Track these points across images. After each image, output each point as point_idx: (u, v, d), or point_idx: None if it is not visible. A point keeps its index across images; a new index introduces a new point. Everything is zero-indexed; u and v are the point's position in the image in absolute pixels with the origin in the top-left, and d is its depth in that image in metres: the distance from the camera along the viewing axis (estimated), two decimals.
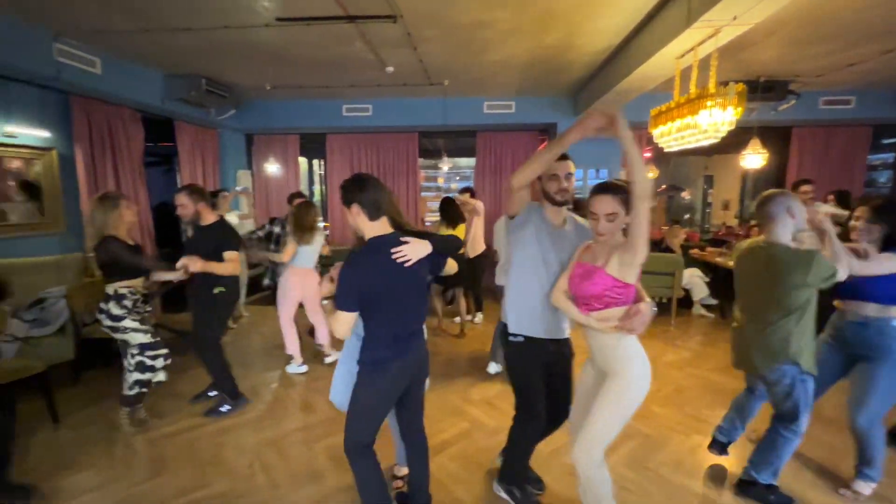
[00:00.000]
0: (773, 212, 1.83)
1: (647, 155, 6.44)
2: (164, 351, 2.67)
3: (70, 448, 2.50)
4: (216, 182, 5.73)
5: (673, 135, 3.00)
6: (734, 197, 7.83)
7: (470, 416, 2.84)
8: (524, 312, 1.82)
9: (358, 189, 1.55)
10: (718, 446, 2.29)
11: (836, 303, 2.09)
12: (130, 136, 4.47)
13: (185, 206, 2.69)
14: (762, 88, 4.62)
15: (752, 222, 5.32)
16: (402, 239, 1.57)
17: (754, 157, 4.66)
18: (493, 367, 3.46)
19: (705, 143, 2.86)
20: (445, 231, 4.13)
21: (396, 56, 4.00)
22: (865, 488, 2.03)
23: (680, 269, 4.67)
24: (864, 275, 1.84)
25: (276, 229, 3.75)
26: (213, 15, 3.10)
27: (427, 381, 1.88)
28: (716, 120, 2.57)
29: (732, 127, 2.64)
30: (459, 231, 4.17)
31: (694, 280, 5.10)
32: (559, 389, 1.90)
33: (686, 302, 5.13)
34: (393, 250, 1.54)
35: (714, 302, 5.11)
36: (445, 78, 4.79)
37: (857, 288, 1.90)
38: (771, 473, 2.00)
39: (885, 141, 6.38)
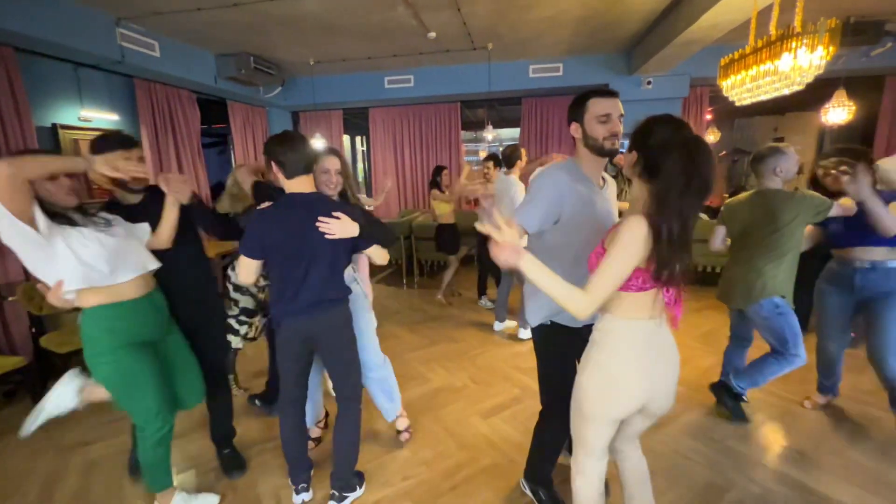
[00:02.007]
0: (765, 168, 2.07)
1: (708, 117, 5.94)
2: (257, 320, 2.62)
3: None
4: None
5: (746, 85, 2.70)
6: (809, 160, 7.09)
7: (520, 383, 2.84)
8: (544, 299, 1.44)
9: (276, 145, 1.57)
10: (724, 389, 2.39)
11: (833, 251, 2.24)
12: (188, 116, 4.69)
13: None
14: (852, 31, 4.05)
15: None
16: (335, 214, 1.58)
17: (839, 111, 4.16)
18: (523, 333, 3.56)
19: (786, 91, 2.56)
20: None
21: (439, 19, 3.87)
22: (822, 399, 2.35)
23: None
24: None
25: None
26: None
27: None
28: (801, 64, 2.27)
29: (821, 71, 2.33)
30: None
31: None
32: None
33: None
34: (321, 218, 1.56)
35: None
36: (489, 41, 4.60)
37: (865, 235, 1.98)
38: (747, 383, 2.25)
39: None
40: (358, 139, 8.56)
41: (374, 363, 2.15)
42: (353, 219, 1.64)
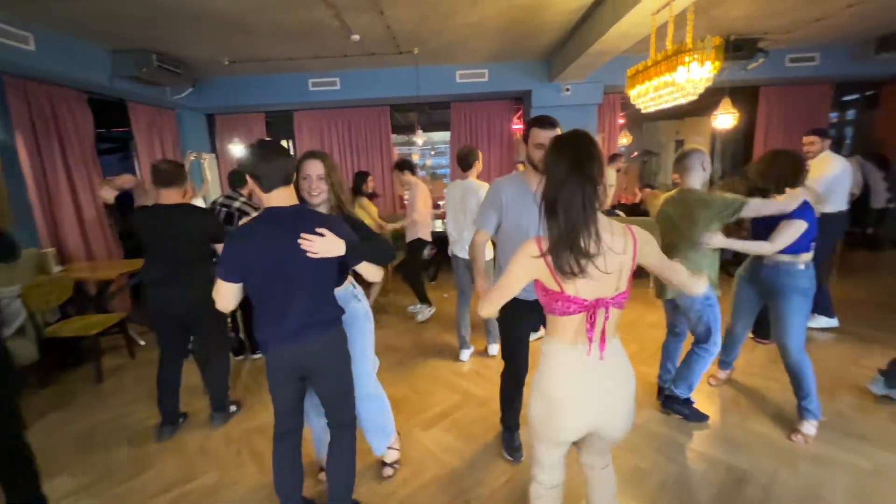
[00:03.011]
0: (690, 164, 2.19)
1: (621, 121, 6.45)
2: None
3: (40, 455, 2.36)
4: None
5: (650, 95, 2.97)
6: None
7: (461, 388, 2.86)
8: None
9: (248, 157, 1.45)
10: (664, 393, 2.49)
11: None
12: (78, 120, 4.13)
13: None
14: (732, 47, 4.62)
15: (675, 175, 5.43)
16: (320, 230, 1.43)
17: (725, 118, 4.71)
18: (493, 349, 3.32)
19: (683, 101, 2.85)
20: None
21: (362, 21, 3.78)
22: (811, 428, 2.20)
23: (656, 231, 4.75)
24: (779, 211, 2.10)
25: (237, 203, 3.40)
26: None
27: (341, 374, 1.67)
28: (693, 76, 2.54)
29: (710, 83, 2.63)
30: None
31: None
32: None
33: None
34: (303, 235, 1.42)
35: None
36: (415, 46, 4.59)
37: (763, 237, 2.20)
38: (686, 388, 2.36)
39: (846, 98, 6.59)
40: (284, 143, 8.15)
41: (366, 393, 1.91)
42: (340, 234, 1.49)
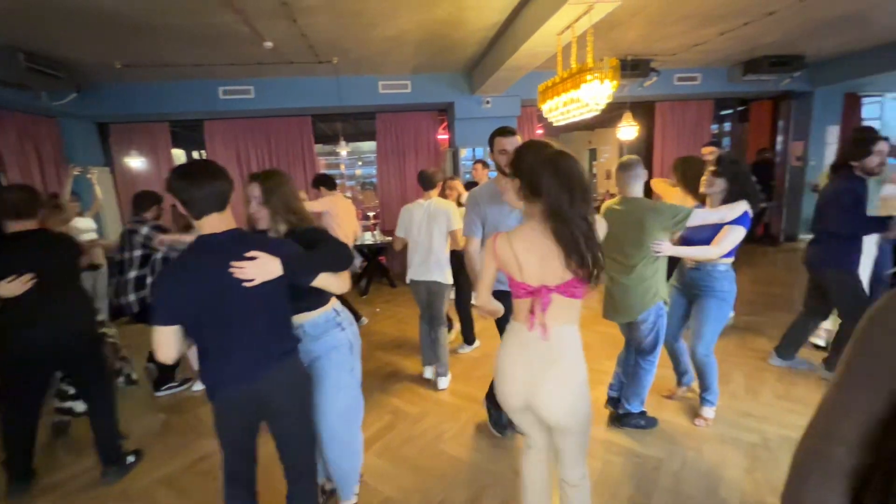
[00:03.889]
0: (636, 173, 2.20)
1: (540, 131, 6.82)
2: None
3: None
4: (61, 183, 4.73)
5: (560, 109, 3.16)
6: (614, 167, 8.70)
7: (391, 407, 2.78)
8: None
9: (174, 180, 1.31)
10: (613, 402, 2.50)
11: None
12: None
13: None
14: (630, 66, 5.10)
15: None
16: (249, 254, 1.31)
17: (628, 129, 5.17)
18: (429, 372, 3.17)
19: (588, 115, 3.06)
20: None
21: (276, 28, 3.61)
22: (710, 413, 2.43)
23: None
24: (710, 222, 2.16)
25: (145, 230, 3.05)
26: None
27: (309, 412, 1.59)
28: (595, 93, 2.74)
29: (610, 100, 2.86)
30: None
31: None
32: None
33: None
34: (233, 264, 1.30)
35: None
36: (334, 55, 4.48)
37: (693, 244, 2.26)
38: (639, 402, 2.37)
39: (723, 112, 7.58)
40: (196, 154, 7.48)
41: (332, 435, 1.74)
42: (277, 253, 1.36)
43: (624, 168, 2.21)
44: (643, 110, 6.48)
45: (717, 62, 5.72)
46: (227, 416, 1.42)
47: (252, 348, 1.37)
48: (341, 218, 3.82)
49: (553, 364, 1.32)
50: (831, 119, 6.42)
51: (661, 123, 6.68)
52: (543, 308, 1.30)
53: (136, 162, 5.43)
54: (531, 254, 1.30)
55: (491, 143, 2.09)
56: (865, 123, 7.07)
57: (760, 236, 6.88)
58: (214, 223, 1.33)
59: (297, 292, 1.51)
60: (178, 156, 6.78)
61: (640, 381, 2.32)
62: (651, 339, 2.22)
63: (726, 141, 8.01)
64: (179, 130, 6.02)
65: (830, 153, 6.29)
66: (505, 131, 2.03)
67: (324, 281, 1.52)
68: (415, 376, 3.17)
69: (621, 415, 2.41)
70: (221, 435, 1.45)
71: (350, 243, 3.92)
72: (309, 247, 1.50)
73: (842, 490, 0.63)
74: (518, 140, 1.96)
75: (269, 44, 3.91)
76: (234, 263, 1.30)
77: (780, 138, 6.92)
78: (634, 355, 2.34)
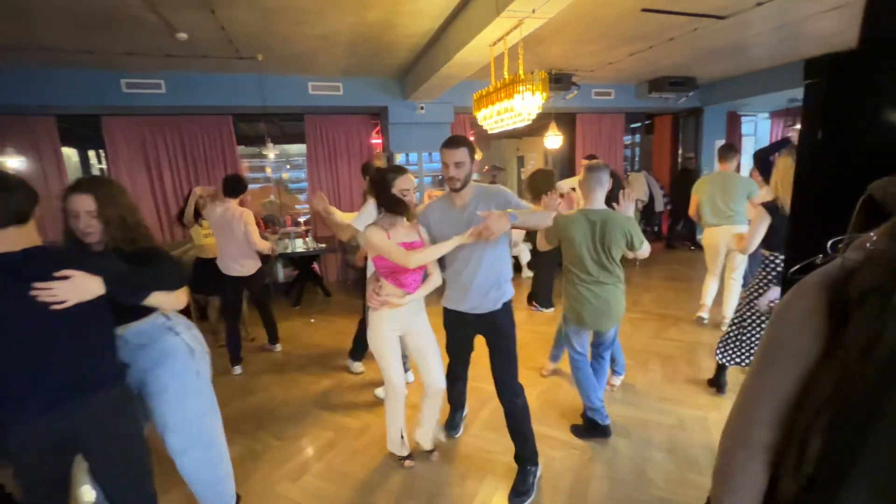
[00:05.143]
0: (604, 178, 2.20)
1: (472, 138, 7.00)
2: None
3: None
4: None
5: (493, 118, 3.26)
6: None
7: (333, 423, 2.66)
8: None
9: None
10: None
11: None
12: None
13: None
14: (554, 80, 5.44)
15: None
16: (61, 273, 1.19)
17: (554, 139, 5.50)
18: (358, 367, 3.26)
19: (521, 124, 3.21)
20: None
21: (189, 19, 3.30)
22: (617, 380, 2.89)
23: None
24: None
25: None
26: None
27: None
28: (527, 103, 2.88)
29: (541, 110, 3.01)
30: None
31: (520, 247, 5.83)
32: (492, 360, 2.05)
33: (515, 267, 5.83)
34: (37, 286, 1.17)
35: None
36: (258, 52, 4.21)
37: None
38: (599, 402, 2.42)
39: (633, 126, 8.38)
40: (93, 154, 6.58)
41: (192, 445, 1.63)
42: (96, 270, 1.24)
43: (595, 171, 2.21)
44: (566, 121, 6.94)
45: (627, 80, 6.31)
46: (25, 454, 1.26)
47: (58, 377, 1.24)
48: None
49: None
50: (718, 134, 7.39)
51: (582, 133, 7.20)
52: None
53: (12, 161, 4.63)
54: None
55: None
56: (745, 139, 8.27)
57: (666, 236, 7.66)
58: (7, 241, 1.17)
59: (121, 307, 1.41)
60: (69, 154, 5.92)
61: (593, 381, 2.39)
62: (608, 348, 2.50)
63: (637, 151, 8.86)
64: (69, 126, 5.26)
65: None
66: (449, 142, 1.89)
67: (155, 299, 1.45)
68: (354, 389, 3.06)
69: (586, 423, 2.44)
70: (23, 476, 1.29)
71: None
72: (140, 264, 1.39)
73: (763, 465, 0.72)
74: (459, 153, 1.85)
75: (182, 35, 3.57)
76: (38, 285, 1.17)
77: (680, 150, 7.80)
78: (593, 357, 2.48)
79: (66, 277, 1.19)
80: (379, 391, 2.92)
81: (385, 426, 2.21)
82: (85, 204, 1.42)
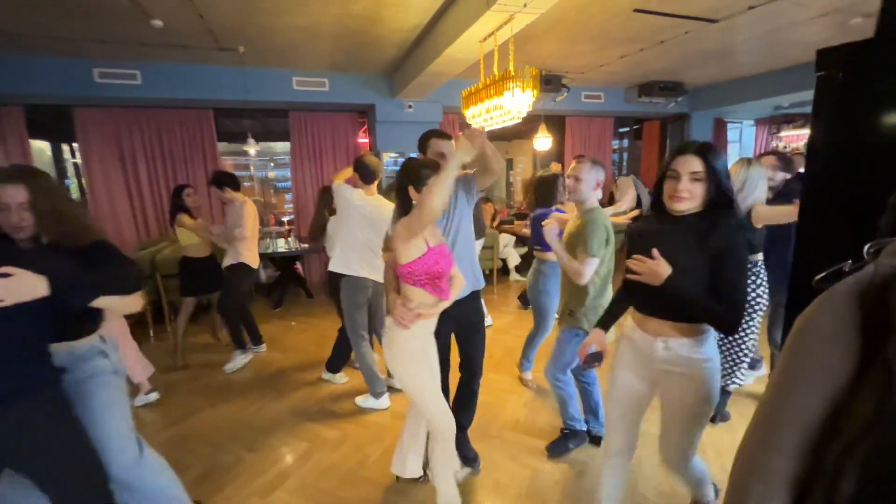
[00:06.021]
0: (596, 179, 2.01)
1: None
2: None
3: None
4: None
5: (483, 115, 3.17)
6: (529, 176, 9.18)
7: (308, 433, 2.51)
8: None
9: None
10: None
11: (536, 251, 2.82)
12: None
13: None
14: (545, 81, 5.38)
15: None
16: (1, 270, 1.08)
17: (544, 140, 5.44)
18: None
19: (510, 123, 3.11)
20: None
21: (165, 5, 3.13)
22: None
23: (496, 242, 5.16)
24: None
25: None
26: None
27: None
28: (518, 101, 2.79)
29: (531, 108, 2.93)
30: None
31: (508, 250, 5.75)
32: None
33: (503, 270, 5.75)
34: None
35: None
36: (240, 43, 4.05)
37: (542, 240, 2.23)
38: (599, 424, 2.30)
39: (622, 130, 8.40)
40: (66, 148, 6.29)
41: (121, 463, 1.47)
42: (41, 269, 1.12)
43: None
44: (555, 123, 6.90)
45: (617, 83, 6.29)
46: None
47: None
48: (252, 221, 3.43)
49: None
50: (704, 139, 7.43)
51: (571, 136, 7.17)
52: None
53: None
54: None
55: (424, 144, 2.02)
56: (730, 145, 8.36)
57: None
58: None
59: (62, 317, 1.32)
60: (42, 148, 5.65)
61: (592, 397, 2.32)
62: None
63: (625, 155, 8.89)
64: (38, 117, 5.00)
65: None
66: (443, 134, 2.01)
67: (107, 302, 1.32)
68: (333, 396, 2.92)
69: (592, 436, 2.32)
70: None
71: (255, 251, 3.52)
72: (86, 263, 1.27)
73: (783, 500, 0.62)
74: (453, 144, 1.94)
75: (158, 23, 3.40)
76: None
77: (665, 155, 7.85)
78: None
79: (5, 275, 1.06)
80: (360, 399, 2.79)
81: (361, 437, 2.07)
82: (16, 195, 1.27)
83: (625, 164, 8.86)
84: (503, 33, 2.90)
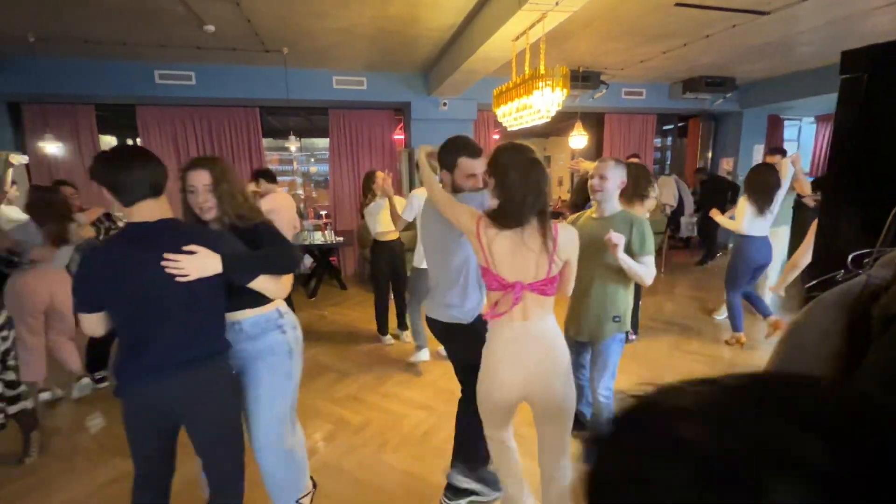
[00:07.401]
0: (620, 178, 1.96)
1: (496, 137, 6.89)
2: None
3: None
4: None
5: (513, 114, 3.18)
6: (566, 174, 9.01)
7: (334, 416, 2.65)
8: None
9: (100, 165, 1.26)
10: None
11: None
12: None
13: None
14: (581, 78, 5.27)
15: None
16: (188, 248, 1.25)
17: (579, 138, 5.33)
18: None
19: (540, 122, 3.10)
20: None
21: (216, 11, 3.36)
22: None
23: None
24: None
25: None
26: None
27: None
28: (547, 100, 2.78)
29: (560, 107, 2.91)
30: None
31: None
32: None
33: None
34: (168, 256, 1.22)
35: None
36: (283, 45, 4.26)
37: None
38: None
39: (665, 127, 8.05)
40: (130, 142, 6.87)
41: (267, 444, 1.59)
42: (218, 249, 1.30)
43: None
44: (593, 121, 6.73)
45: (660, 79, 6.05)
46: (136, 417, 1.34)
47: (173, 345, 1.29)
48: (283, 214, 3.64)
49: (543, 347, 1.42)
50: (757, 139, 6.99)
51: (610, 134, 6.97)
52: (516, 303, 1.36)
53: (53, 147, 4.86)
54: (504, 248, 1.36)
55: (452, 161, 1.68)
56: (787, 144, 7.80)
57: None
58: (147, 211, 1.26)
59: (238, 288, 1.42)
60: (108, 142, 6.19)
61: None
62: (613, 370, 2.19)
63: (668, 154, 8.52)
64: (106, 114, 5.49)
65: None
66: (473, 150, 1.67)
67: (261, 284, 1.42)
68: (360, 383, 3.06)
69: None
70: (130, 436, 1.36)
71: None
72: (254, 244, 1.43)
73: None
74: (484, 162, 1.64)
75: (210, 27, 3.66)
76: (168, 256, 1.23)
77: (709, 154, 7.45)
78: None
79: (192, 252, 1.24)
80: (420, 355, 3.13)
81: (383, 423, 2.16)
82: (202, 178, 1.47)
83: (668, 163, 8.51)
84: (535, 32, 2.90)
